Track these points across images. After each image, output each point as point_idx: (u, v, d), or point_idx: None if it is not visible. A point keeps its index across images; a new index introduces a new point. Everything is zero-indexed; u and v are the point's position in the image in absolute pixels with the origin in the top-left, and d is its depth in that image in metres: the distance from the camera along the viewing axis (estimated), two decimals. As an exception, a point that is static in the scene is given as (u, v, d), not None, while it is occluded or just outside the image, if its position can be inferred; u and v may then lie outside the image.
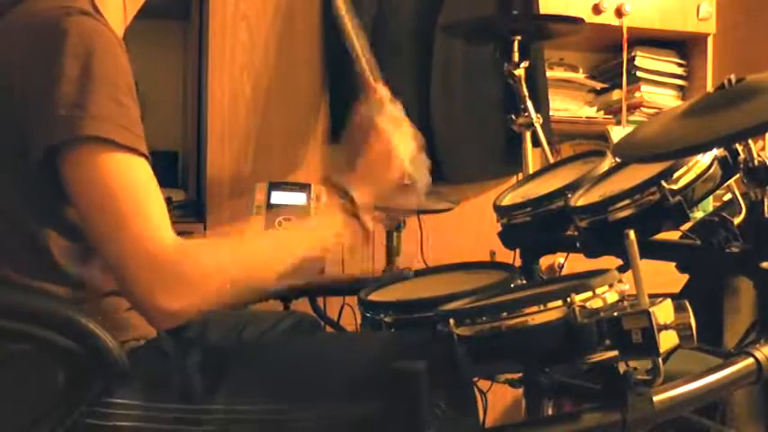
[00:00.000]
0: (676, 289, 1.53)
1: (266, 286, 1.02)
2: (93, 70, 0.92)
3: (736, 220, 1.25)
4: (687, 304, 0.93)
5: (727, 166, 1.23)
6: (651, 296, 0.93)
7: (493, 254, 1.54)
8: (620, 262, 1.16)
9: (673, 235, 1.30)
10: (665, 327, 0.91)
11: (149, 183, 0.94)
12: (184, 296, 0.91)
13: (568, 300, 0.93)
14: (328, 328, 1.77)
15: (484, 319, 0.96)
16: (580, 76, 2.68)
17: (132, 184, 0.92)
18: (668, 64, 2.70)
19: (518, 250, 1.61)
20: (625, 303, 0.97)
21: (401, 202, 1.16)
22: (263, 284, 1.03)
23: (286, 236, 1.04)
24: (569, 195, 1.38)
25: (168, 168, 2.44)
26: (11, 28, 0.97)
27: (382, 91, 1.22)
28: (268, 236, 1.02)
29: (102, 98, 0.91)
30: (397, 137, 1.15)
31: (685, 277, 1.50)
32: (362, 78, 1.23)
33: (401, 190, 1.14)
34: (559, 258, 1.81)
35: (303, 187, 1.93)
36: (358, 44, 1.22)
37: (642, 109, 2.65)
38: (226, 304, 0.98)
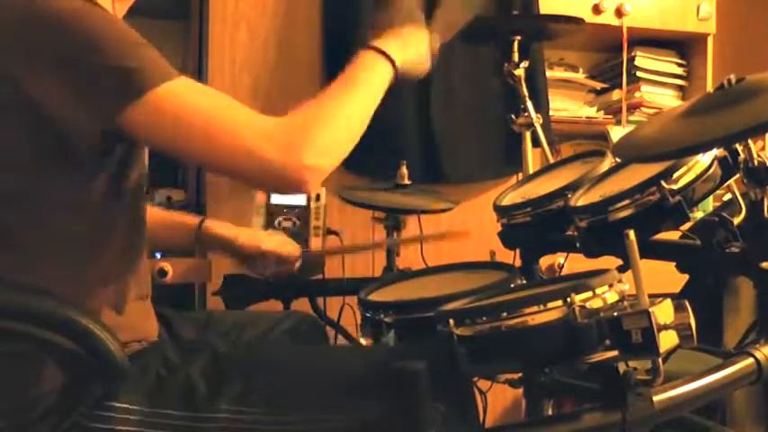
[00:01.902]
0: (676, 289, 1.53)
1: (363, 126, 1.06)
2: (103, 32, 0.93)
3: (736, 220, 1.25)
4: (687, 304, 0.93)
5: (727, 166, 1.23)
6: (651, 296, 0.93)
7: (493, 254, 1.54)
8: (620, 262, 1.16)
9: (673, 235, 1.30)
10: (665, 327, 0.91)
11: (212, 90, 0.99)
12: (317, 150, 0.96)
13: (568, 300, 0.93)
14: (328, 329, 1.77)
15: (484, 319, 0.96)
16: (580, 76, 2.68)
17: (208, 100, 0.97)
18: (668, 64, 2.70)
19: (518, 250, 1.61)
20: (625, 303, 0.97)
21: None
22: (362, 124, 1.06)
23: (356, 83, 1.06)
24: (569, 195, 1.38)
25: (168, 168, 2.44)
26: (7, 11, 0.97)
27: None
28: (346, 88, 1.05)
29: (124, 51, 0.93)
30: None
31: (685, 277, 1.50)
32: None
33: None
34: (559, 258, 1.81)
35: (303, 187, 1.92)
36: None
37: (642, 109, 2.65)
38: (347, 146, 1.03)
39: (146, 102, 0.92)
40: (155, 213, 1.42)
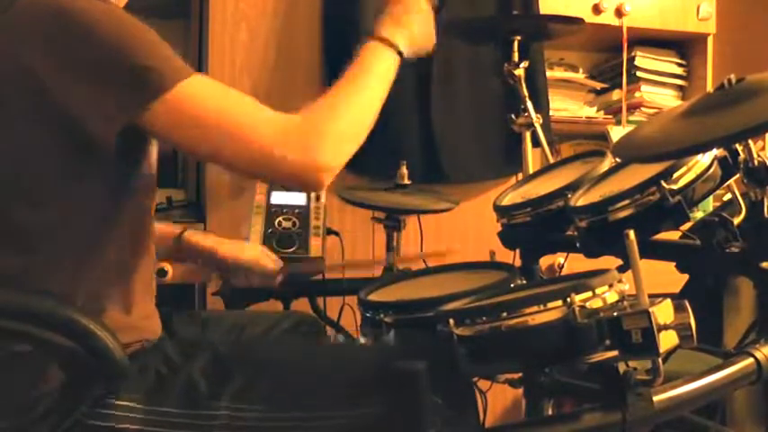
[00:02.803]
0: (676, 289, 1.53)
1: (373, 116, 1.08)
2: (125, 32, 0.94)
3: (736, 220, 1.25)
4: (687, 304, 0.93)
5: (727, 166, 1.23)
6: (651, 296, 0.93)
7: (493, 254, 1.54)
8: (620, 262, 1.16)
9: (673, 235, 1.30)
10: (665, 327, 0.91)
11: (227, 89, 1.00)
12: (332, 145, 0.98)
13: (568, 300, 0.93)
14: (328, 329, 1.77)
15: (484, 319, 0.96)
16: (580, 76, 2.68)
17: (225, 98, 0.98)
18: (668, 64, 2.70)
19: (518, 250, 1.61)
20: (625, 303, 0.97)
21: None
22: (373, 113, 1.08)
23: (366, 75, 1.09)
24: (569, 195, 1.38)
25: (168, 168, 2.44)
26: (18, 20, 0.97)
27: None
28: (354, 79, 1.08)
29: (143, 49, 0.94)
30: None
31: (685, 277, 1.50)
32: None
33: None
34: (559, 258, 1.81)
35: (303, 187, 1.92)
36: None
37: (642, 109, 2.64)
38: (361, 138, 1.04)
39: (166, 100, 0.93)
40: None
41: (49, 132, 0.95)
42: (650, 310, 0.90)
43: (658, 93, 2.68)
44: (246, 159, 0.97)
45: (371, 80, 1.08)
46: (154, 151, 1.09)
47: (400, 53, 1.12)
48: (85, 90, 0.92)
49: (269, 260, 1.55)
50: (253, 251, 1.55)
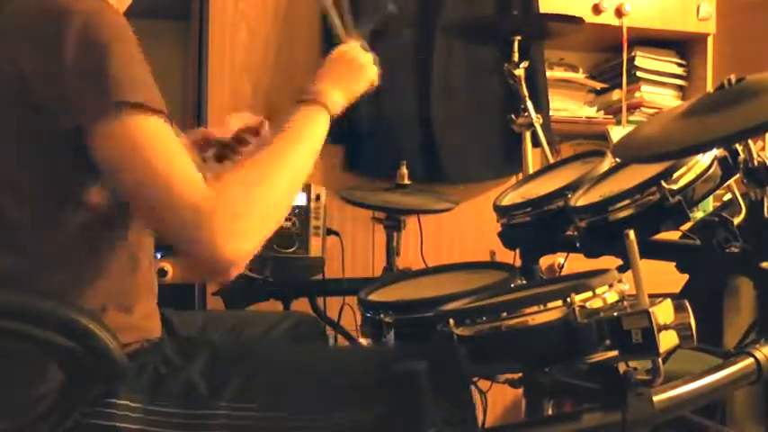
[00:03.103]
0: (676, 289, 1.53)
1: (294, 197, 1.08)
2: (110, 43, 0.92)
3: (736, 220, 1.25)
4: (687, 304, 0.93)
5: (727, 166, 1.23)
6: (651, 296, 0.93)
7: (493, 254, 1.54)
8: (620, 262, 1.16)
9: (673, 235, 1.30)
10: (665, 327, 0.91)
11: (175, 140, 0.96)
12: (242, 236, 0.93)
13: (568, 300, 0.93)
14: (328, 329, 1.77)
15: (484, 319, 0.96)
16: (580, 76, 2.68)
17: (165, 145, 0.94)
18: (668, 64, 2.70)
19: (518, 250, 1.61)
20: (625, 303, 0.97)
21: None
22: (292, 196, 1.07)
23: (296, 151, 1.06)
24: (569, 195, 1.38)
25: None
26: (22, 5, 0.97)
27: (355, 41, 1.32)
28: (280, 152, 1.05)
29: (123, 66, 0.92)
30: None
31: (685, 277, 1.50)
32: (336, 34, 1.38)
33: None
34: (559, 258, 1.81)
35: (303, 187, 1.93)
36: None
37: (642, 109, 2.64)
38: (277, 223, 1.01)
39: (117, 121, 0.91)
40: None
41: (32, 129, 0.94)
42: (650, 310, 0.90)
43: (658, 93, 2.68)
44: (160, 220, 0.93)
45: (301, 149, 1.06)
46: None
47: (331, 112, 1.13)
48: (62, 88, 0.92)
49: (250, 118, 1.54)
50: (240, 119, 1.54)
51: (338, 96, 1.15)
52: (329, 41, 2.30)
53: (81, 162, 0.96)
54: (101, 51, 0.92)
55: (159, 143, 0.94)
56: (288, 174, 1.03)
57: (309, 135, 1.09)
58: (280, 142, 1.06)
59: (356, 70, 1.24)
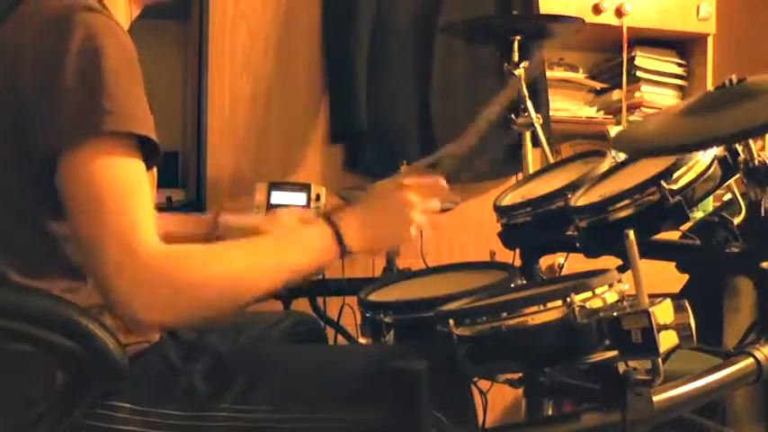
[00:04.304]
0: (676, 289, 1.53)
1: (249, 302, 0.96)
2: (102, 65, 0.91)
3: (736, 220, 1.25)
4: (687, 304, 0.93)
5: (727, 166, 1.23)
6: (651, 296, 0.93)
7: (493, 254, 1.54)
8: (620, 262, 1.16)
9: (673, 235, 1.30)
10: (665, 327, 0.90)
11: (140, 185, 0.92)
12: (162, 307, 0.88)
13: (568, 300, 0.93)
14: (328, 329, 1.77)
15: (484, 319, 0.96)
16: (580, 76, 2.68)
17: (123, 184, 0.90)
18: (668, 64, 2.70)
19: (518, 250, 1.61)
20: (625, 303, 0.97)
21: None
22: (247, 300, 0.96)
23: (277, 251, 0.99)
24: (569, 195, 1.38)
25: (168, 168, 2.44)
26: (24, 21, 0.97)
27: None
28: (260, 250, 0.98)
29: (113, 92, 0.90)
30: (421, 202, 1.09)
31: (685, 277, 1.50)
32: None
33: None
34: (559, 258, 1.81)
35: (303, 187, 1.93)
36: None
37: (642, 109, 2.65)
38: (204, 319, 0.95)
39: (85, 149, 0.89)
40: (167, 217, 1.45)
41: (21, 135, 0.94)
42: (650, 310, 0.90)
43: (658, 93, 2.68)
44: (96, 256, 0.88)
45: (287, 261, 0.98)
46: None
47: (345, 248, 1.02)
48: (33, 107, 0.91)
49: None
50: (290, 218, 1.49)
51: (357, 242, 1.03)
52: (329, 41, 2.32)
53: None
54: (92, 74, 0.90)
55: (114, 180, 0.90)
56: (259, 275, 0.95)
57: (304, 254, 1.00)
58: (272, 245, 1.00)
59: (394, 221, 1.08)
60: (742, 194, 1.25)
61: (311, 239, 1.02)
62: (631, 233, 0.94)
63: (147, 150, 0.95)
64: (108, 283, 0.88)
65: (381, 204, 1.08)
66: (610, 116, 2.64)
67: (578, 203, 1.34)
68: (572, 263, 1.65)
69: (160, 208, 2.04)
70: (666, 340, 0.91)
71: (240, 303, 0.96)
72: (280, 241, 1.03)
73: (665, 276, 1.36)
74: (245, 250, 0.98)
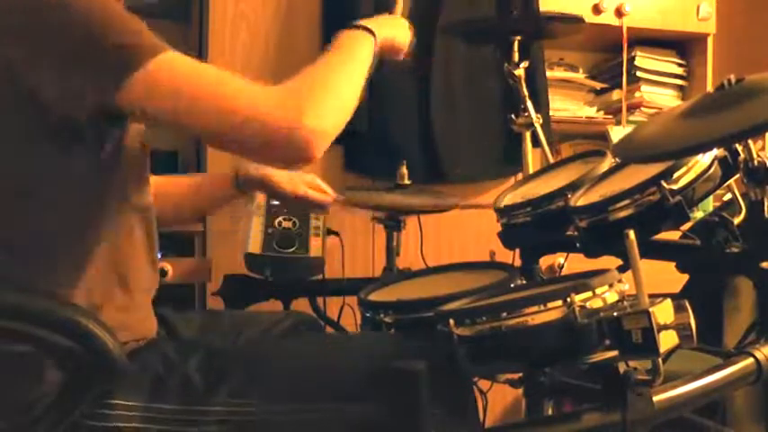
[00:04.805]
0: (676, 289, 1.53)
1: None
2: (99, 11, 0.93)
3: (736, 220, 1.25)
4: (687, 304, 0.93)
5: (728, 166, 1.23)
6: (651, 296, 0.93)
7: (493, 254, 1.54)
8: (620, 262, 1.16)
9: (673, 235, 1.30)
10: (665, 327, 0.91)
11: (203, 64, 0.98)
12: (324, 109, 0.96)
13: (568, 300, 0.93)
14: (328, 329, 1.77)
15: (484, 319, 0.96)
16: (580, 76, 2.68)
17: (202, 70, 0.96)
18: (668, 64, 2.70)
19: (518, 250, 1.61)
20: (625, 303, 0.97)
21: None
22: (357, 95, 1.05)
23: (350, 54, 1.09)
24: (569, 195, 1.38)
25: (168, 168, 2.44)
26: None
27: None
28: (342, 58, 1.08)
29: (119, 26, 0.93)
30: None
31: (685, 277, 1.50)
32: None
33: None
34: (559, 258, 1.81)
35: (303, 187, 1.92)
36: None
37: (642, 109, 2.64)
38: (346, 118, 1.01)
39: (140, 76, 0.91)
40: (184, 180, 1.53)
41: (22, 121, 0.94)
42: (650, 310, 0.90)
43: (658, 93, 2.68)
44: (233, 128, 0.94)
45: (352, 59, 1.07)
46: (138, 138, 1.09)
47: (375, 38, 1.12)
48: (57, 75, 0.91)
49: (320, 194, 1.59)
50: (305, 184, 1.58)
51: (384, 32, 1.16)
52: (329, 41, 2.32)
53: (71, 152, 0.95)
54: (87, 27, 0.92)
55: (188, 71, 0.95)
56: (346, 77, 1.04)
57: (355, 49, 1.10)
58: (329, 56, 1.07)
59: (399, 25, 1.26)
60: (742, 194, 1.25)
61: (353, 40, 1.11)
62: (631, 233, 0.95)
63: None
64: (270, 122, 0.93)
65: (381, 18, 1.24)
66: (610, 116, 2.64)
67: (578, 203, 1.34)
68: (572, 263, 1.65)
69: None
70: (667, 340, 0.91)
71: (356, 99, 1.04)
72: (342, 50, 1.10)
73: (665, 276, 1.36)
74: (334, 58, 1.07)
